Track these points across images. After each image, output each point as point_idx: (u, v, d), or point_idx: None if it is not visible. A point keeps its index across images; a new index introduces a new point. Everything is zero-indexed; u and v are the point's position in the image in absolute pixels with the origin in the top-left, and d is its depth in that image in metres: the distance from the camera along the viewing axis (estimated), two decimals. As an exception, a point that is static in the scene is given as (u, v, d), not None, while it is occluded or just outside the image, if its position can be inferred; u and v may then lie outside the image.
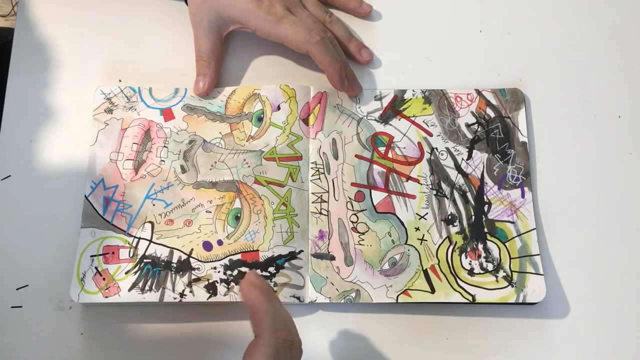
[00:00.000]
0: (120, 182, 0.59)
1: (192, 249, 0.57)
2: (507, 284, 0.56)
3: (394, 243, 0.57)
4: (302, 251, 0.57)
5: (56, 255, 0.57)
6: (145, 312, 0.56)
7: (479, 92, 0.62)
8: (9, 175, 0.60)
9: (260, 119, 0.61)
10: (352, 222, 0.58)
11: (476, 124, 0.61)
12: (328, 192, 0.59)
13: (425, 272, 0.57)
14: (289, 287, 0.56)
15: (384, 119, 0.61)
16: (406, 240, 0.57)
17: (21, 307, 0.56)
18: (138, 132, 0.60)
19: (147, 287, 0.55)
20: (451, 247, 0.57)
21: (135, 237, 0.57)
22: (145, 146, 0.60)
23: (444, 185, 0.59)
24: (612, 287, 0.57)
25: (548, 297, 0.56)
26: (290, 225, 0.58)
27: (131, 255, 0.56)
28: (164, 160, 0.60)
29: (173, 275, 0.56)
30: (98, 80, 0.63)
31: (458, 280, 0.56)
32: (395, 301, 0.56)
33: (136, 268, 0.56)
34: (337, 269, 0.57)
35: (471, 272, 0.56)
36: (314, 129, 0.61)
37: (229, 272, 0.56)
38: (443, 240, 0.58)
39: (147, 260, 0.56)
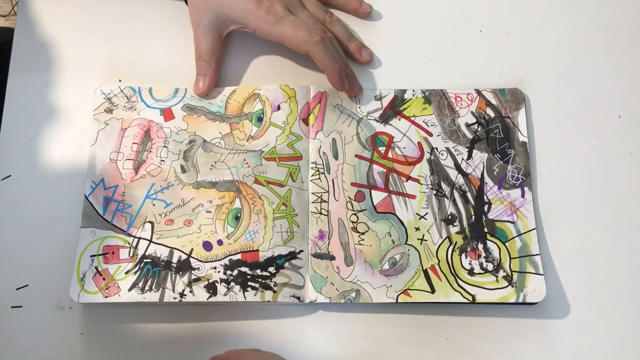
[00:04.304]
0: (120, 182, 0.59)
1: (192, 249, 0.57)
2: (507, 283, 0.56)
3: (394, 243, 0.57)
4: (302, 251, 0.57)
5: (56, 255, 0.57)
6: (145, 312, 0.56)
7: (479, 92, 0.62)
8: (9, 175, 0.60)
9: (260, 119, 0.61)
10: (352, 222, 0.58)
11: (476, 124, 0.61)
12: (328, 192, 0.59)
13: (425, 272, 0.56)
14: (289, 287, 0.56)
15: (384, 119, 0.61)
16: (406, 240, 0.57)
17: (21, 307, 0.56)
18: (138, 132, 0.60)
19: (147, 287, 0.55)
20: (451, 247, 0.57)
21: (135, 237, 0.57)
22: (145, 146, 0.60)
23: (444, 185, 0.59)
24: (612, 287, 0.57)
25: (548, 297, 0.56)
26: (290, 225, 0.58)
27: (131, 255, 0.56)
28: (164, 160, 0.60)
29: (173, 275, 0.56)
30: (98, 80, 0.63)
31: (458, 280, 0.56)
32: (395, 301, 0.56)
33: (136, 268, 0.56)
34: (337, 269, 0.57)
35: (471, 272, 0.56)
36: (314, 128, 0.61)
37: (229, 272, 0.56)
38: (443, 240, 0.57)
39: (147, 260, 0.56)
